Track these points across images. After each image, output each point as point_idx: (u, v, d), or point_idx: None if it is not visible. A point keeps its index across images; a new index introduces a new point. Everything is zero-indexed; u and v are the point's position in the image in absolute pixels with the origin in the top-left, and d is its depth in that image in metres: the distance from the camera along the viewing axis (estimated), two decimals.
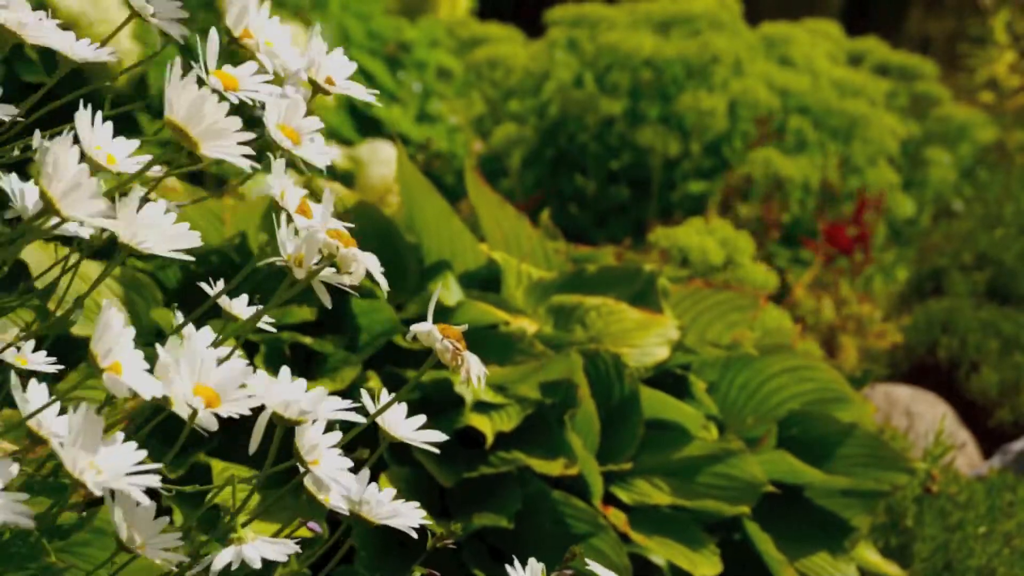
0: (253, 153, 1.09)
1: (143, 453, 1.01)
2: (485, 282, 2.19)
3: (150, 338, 1.73)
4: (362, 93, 1.22)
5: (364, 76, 3.69)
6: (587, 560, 1.25)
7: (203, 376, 1.07)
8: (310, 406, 1.10)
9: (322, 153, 1.18)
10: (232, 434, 1.88)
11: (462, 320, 2.01)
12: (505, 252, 2.25)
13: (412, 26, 4.11)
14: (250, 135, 1.09)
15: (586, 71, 4.36)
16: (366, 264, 1.14)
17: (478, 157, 4.37)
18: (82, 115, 1.08)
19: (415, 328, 1.14)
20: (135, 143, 1.15)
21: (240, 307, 1.23)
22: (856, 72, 4.80)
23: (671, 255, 2.87)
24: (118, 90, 2.49)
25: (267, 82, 1.16)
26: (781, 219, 3.88)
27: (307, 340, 1.94)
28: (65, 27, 1.15)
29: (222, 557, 1.10)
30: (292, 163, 1.17)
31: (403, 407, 1.18)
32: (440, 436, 1.17)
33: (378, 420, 1.16)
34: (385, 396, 1.17)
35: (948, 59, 6.98)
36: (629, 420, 2.06)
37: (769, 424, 2.20)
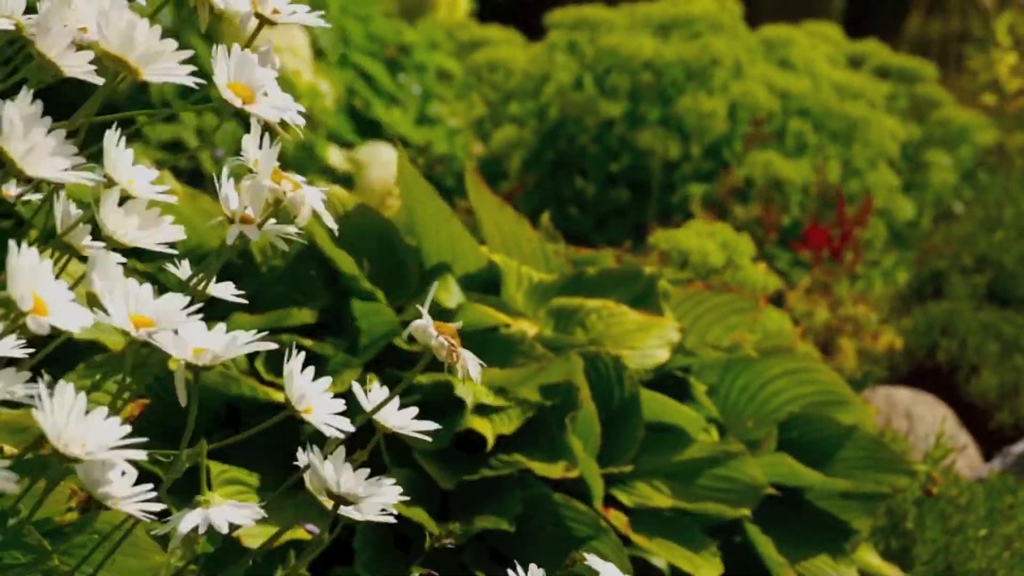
0: (195, 69, 1.07)
1: (127, 428, 1.00)
2: (485, 285, 2.19)
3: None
4: (311, 19, 1.18)
5: (364, 78, 3.69)
6: (588, 556, 1.24)
7: (140, 308, 1.06)
8: (223, 350, 1.08)
9: (276, 107, 1.13)
10: (230, 436, 1.88)
11: (462, 322, 2.01)
12: (505, 255, 2.25)
13: (412, 29, 4.11)
14: (188, 52, 1.07)
15: (586, 74, 4.36)
16: (312, 204, 1.12)
17: (478, 159, 4.37)
18: (111, 138, 1.08)
19: (412, 326, 1.14)
20: (153, 173, 1.15)
21: (226, 292, 1.21)
22: (856, 75, 4.80)
23: (671, 257, 2.87)
24: (117, 91, 2.48)
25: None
26: (780, 221, 3.88)
27: (308, 343, 1.94)
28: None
29: (188, 519, 1.09)
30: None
31: (395, 401, 1.18)
32: (433, 425, 1.17)
33: (375, 417, 1.16)
34: (377, 388, 1.17)
35: (949, 61, 6.98)
36: (629, 422, 2.06)
37: (769, 426, 2.20)
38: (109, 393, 1.74)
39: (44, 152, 1.01)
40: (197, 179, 2.87)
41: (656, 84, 4.27)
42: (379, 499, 1.14)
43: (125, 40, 1.04)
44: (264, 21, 1.17)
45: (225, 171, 1.14)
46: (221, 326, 1.11)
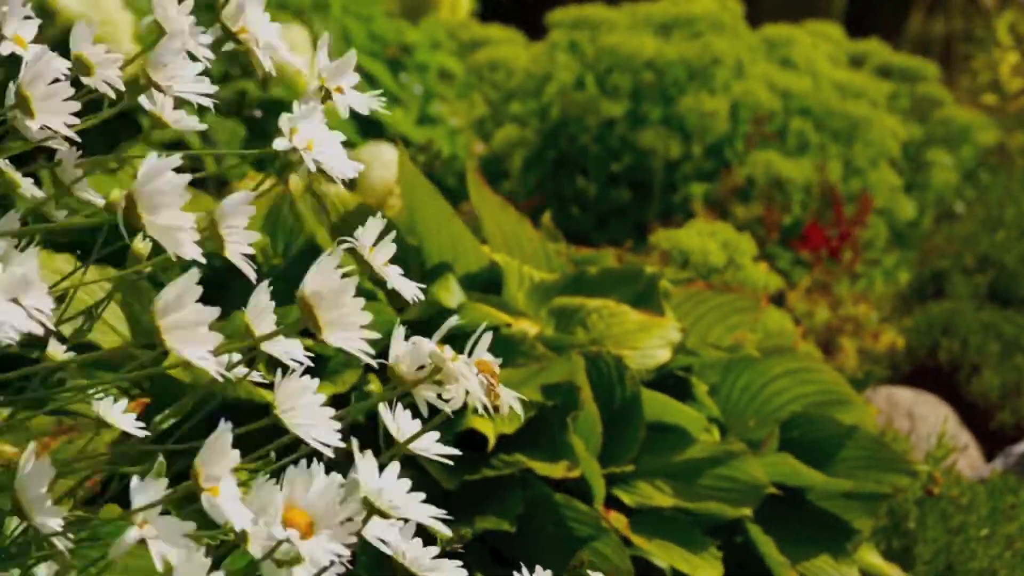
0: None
1: None
2: (486, 284, 2.19)
3: (149, 340, 1.71)
4: (363, 105, 1.22)
5: (365, 78, 3.69)
6: (588, 571, 1.24)
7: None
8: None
9: (350, 168, 1.18)
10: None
11: (463, 322, 2.01)
12: (506, 254, 2.25)
13: (413, 28, 4.10)
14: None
15: (587, 73, 4.35)
16: (467, 387, 1.11)
17: (479, 159, 4.37)
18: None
19: (447, 370, 1.11)
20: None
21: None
22: (857, 74, 4.80)
23: (672, 257, 2.87)
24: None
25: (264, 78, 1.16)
26: (782, 221, 3.88)
27: (308, 342, 1.93)
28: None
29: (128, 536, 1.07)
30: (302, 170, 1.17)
31: (410, 416, 1.17)
32: (456, 452, 1.16)
33: (392, 433, 1.15)
34: (400, 411, 1.16)
35: (950, 61, 6.98)
36: (631, 422, 2.06)
37: (771, 426, 2.20)
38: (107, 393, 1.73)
39: (58, 98, 1.02)
40: (198, 180, 2.87)
41: (658, 84, 4.26)
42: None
43: None
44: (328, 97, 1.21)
45: (401, 331, 1.15)
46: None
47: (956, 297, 3.69)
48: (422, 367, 1.11)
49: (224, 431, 0.98)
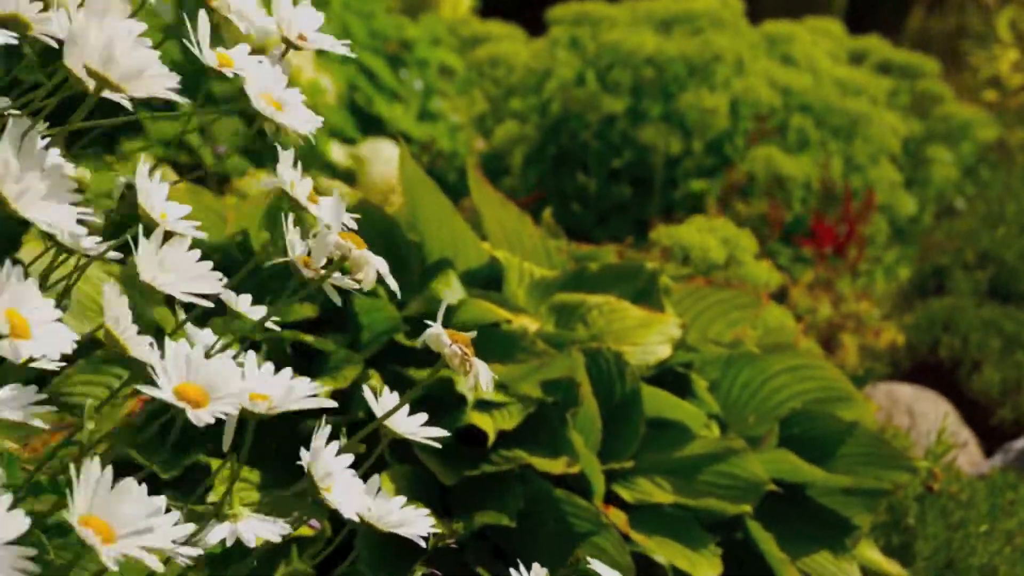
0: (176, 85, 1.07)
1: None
2: (487, 280, 2.19)
3: (151, 335, 1.72)
4: (334, 45, 1.20)
5: (366, 74, 3.69)
6: (590, 559, 1.24)
7: (189, 374, 1.05)
8: (280, 401, 1.08)
9: (307, 120, 1.15)
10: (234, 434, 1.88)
11: (464, 318, 2.01)
12: (507, 250, 2.25)
13: (414, 24, 4.11)
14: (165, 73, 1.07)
15: (588, 69, 4.35)
16: (378, 268, 1.13)
17: (480, 155, 4.37)
18: (142, 171, 1.08)
19: (425, 334, 1.13)
20: (186, 208, 1.15)
21: (244, 305, 1.22)
22: (858, 70, 4.80)
23: (673, 253, 2.87)
24: None
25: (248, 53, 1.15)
26: (783, 217, 3.88)
27: (309, 339, 1.94)
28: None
29: (216, 532, 1.09)
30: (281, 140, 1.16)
31: (405, 407, 1.17)
32: (442, 432, 1.16)
33: (374, 409, 1.16)
34: (387, 395, 1.16)
35: (950, 57, 6.98)
36: (631, 418, 2.06)
37: (771, 423, 2.20)
38: (109, 388, 1.74)
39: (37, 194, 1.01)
40: (198, 176, 2.87)
41: (658, 80, 4.26)
42: (410, 528, 1.13)
43: (105, 58, 1.03)
44: (290, 46, 1.19)
45: (291, 219, 1.15)
46: (286, 371, 1.11)
47: (957, 293, 3.69)
48: (330, 261, 1.12)
49: None
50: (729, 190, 3.96)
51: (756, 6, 5.53)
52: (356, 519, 1.12)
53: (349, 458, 1.12)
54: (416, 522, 1.14)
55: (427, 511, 1.15)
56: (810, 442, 2.19)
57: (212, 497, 1.47)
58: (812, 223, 3.73)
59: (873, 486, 2.17)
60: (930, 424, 3.04)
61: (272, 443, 1.81)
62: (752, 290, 2.45)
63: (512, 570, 1.16)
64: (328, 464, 1.10)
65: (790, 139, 4.27)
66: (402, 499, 1.15)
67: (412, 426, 1.17)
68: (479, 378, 1.12)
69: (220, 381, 1.03)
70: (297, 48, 1.20)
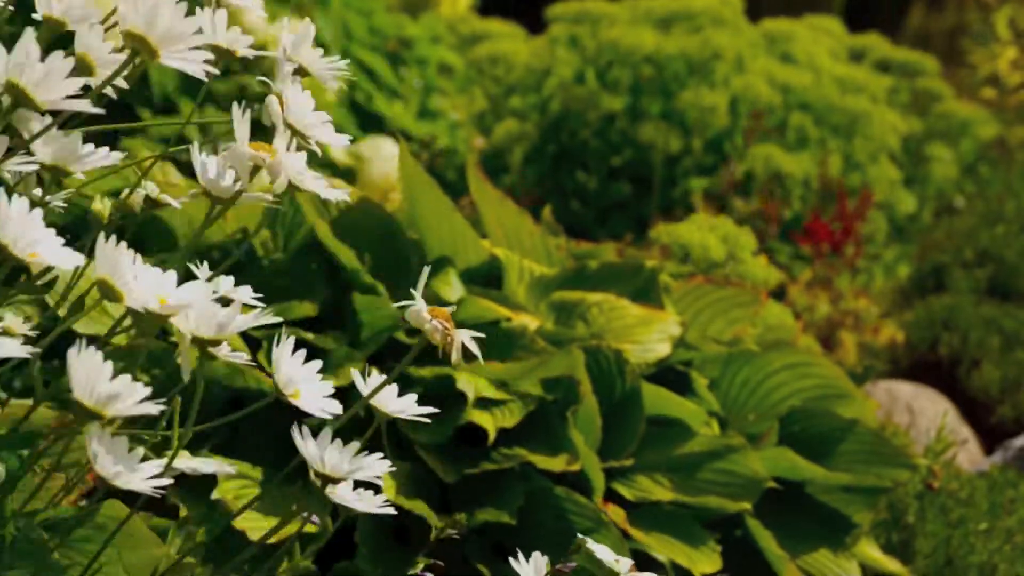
0: (212, 58, 1.08)
1: (147, 390, 1.01)
2: (487, 278, 2.19)
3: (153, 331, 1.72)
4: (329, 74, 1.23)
5: (365, 72, 3.69)
6: (593, 543, 1.25)
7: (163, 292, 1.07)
8: (226, 319, 1.09)
9: (337, 139, 1.20)
10: (236, 432, 1.88)
11: (464, 316, 2.01)
12: (507, 248, 2.25)
13: (414, 22, 4.11)
14: (201, 38, 1.08)
15: (587, 67, 4.35)
16: (291, 167, 1.14)
17: (479, 153, 4.37)
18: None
19: (407, 312, 1.15)
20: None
21: (245, 297, 1.22)
22: (857, 68, 4.80)
23: (672, 251, 2.87)
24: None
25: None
26: (782, 215, 3.88)
27: (309, 336, 1.94)
28: (64, 23, 1.14)
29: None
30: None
31: (394, 388, 1.18)
32: (432, 410, 1.18)
33: (372, 402, 1.17)
34: (375, 376, 1.17)
35: (949, 55, 6.98)
36: (631, 416, 2.06)
37: (770, 420, 2.20)
38: None
39: (59, 77, 1.03)
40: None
41: (658, 78, 4.27)
42: (366, 472, 1.14)
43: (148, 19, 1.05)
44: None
45: (196, 143, 1.16)
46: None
47: (956, 291, 3.69)
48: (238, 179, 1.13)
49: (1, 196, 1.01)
50: (727, 188, 3.96)
51: (755, 4, 5.53)
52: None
53: (316, 365, 1.14)
54: (372, 466, 1.15)
55: (381, 455, 1.16)
56: (809, 440, 2.19)
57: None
58: (809, 221, 3.73)
59: (873, 484, 2.18)
60: (929, 422, 3.04)
61: (274, 440, 1.81)
62: (751, 288, 2.45)
63: (511, 559, 1.16)
64: (291, 371, 1.13)
65: (789, 137, 4.27)
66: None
67: (402, 405, 1.18)
68: (464, 342, 1.14)
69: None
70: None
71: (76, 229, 1.84)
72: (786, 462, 2.11)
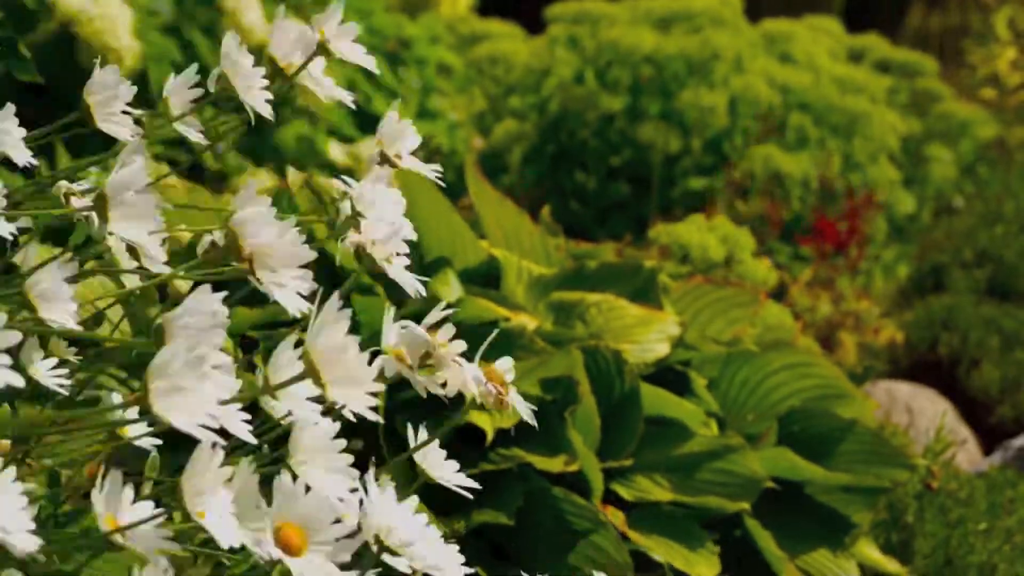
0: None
1: None
2: (485, 278, 2.19)
3: (147, 334, 1.72)
4: (426, 170, 1.23)
5: (365, 72, 3.69)
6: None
7: None
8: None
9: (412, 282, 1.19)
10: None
11: (462, 316, 2.01)
12: (505, 249, 2.25)
13: (413, 23, 4.11)
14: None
15: (587, 68, 4.35)
16: (465, 376, 1.11)
17: (478, 153, 4.37)
18: None
19: (450, 380, 1.10)
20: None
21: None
22: (857, 69, 4.80)
23: (672, 252, 2.87)
24: None
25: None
26: (782, 216, 3.88)
27: (306, 336, 1.93)
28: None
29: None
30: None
31: (438, 445, 1.15)
32: (473, 484, 1.15)
33: (416, 458, 1.13)
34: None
35: (949, 56, 6.98)
36: (629, 416, 2.06)
37: (770, 421, 2.20)
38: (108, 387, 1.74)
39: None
40: (196, 173, 2.87)
41: (657, 78, 4.26)
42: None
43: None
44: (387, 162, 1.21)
45: (390, 314, 1.15)
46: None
47: (955, 291, 3.69)
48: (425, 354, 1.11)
49: (207, 444, 0.96)
50: (727, 188, 3.96)
51: (755, 4, 5.53)
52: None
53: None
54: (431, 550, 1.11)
55: (439, 534, 1.14)
56: (809, 440, 2.19)
57: None
58: (815, 221, 3.73)
59: (872, 484, 2.17)
60: (929, 422, 3.04)
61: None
62: (751, 288, 2.45)
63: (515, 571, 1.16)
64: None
65: (789, 137, 4.27)
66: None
67: (447, 471, 1.14)
68: (511, 410, 1.10)
69: None
70: (394, 166, 1.23)
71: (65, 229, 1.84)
72: (785, 462, 2.11)
